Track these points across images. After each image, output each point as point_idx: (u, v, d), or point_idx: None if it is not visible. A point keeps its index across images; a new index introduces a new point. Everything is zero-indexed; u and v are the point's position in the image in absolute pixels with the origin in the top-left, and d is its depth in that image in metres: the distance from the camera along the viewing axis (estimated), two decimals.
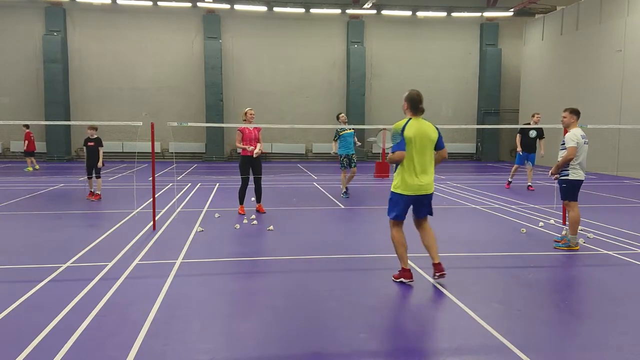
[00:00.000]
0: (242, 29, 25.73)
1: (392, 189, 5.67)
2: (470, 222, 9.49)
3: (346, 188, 12.54)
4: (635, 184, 15.78)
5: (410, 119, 5.56)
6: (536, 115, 13.52)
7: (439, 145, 5.66)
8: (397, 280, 5.72)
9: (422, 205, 5.70)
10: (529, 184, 13.96)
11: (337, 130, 12.33)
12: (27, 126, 19.02)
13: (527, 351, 3.97)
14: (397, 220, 5.66)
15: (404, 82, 26.73)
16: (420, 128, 5.50)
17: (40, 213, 10.20)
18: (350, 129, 12.25)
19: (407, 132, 5.43)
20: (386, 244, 7.78)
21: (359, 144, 12.68)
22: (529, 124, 13.61)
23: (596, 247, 7.39)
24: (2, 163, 22.45)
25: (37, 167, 19.36)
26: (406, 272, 5.66)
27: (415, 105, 5.56)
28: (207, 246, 7.42)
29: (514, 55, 26.98)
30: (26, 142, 18.96)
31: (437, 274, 5.63)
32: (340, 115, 12.50)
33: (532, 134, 13.56)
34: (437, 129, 5.65)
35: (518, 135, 13.73)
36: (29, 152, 19.02)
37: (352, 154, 12.35)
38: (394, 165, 5.63)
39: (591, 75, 20.11)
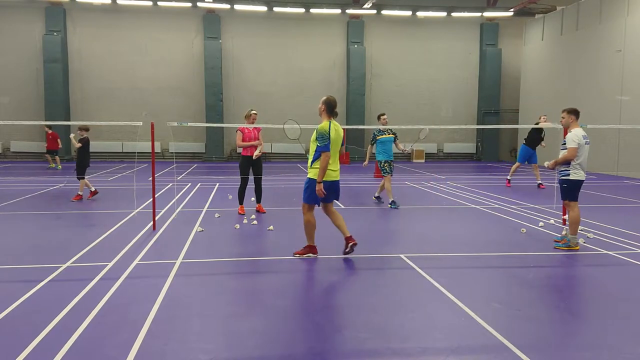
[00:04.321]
0: (242, 29, 25.72)
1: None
2: (470, 222, 9.50)
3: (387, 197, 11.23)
4: (635, 184, 15.78)
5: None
6: (543, 117, 14.22)
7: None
8: (304, 255, 6.66)
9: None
10: (539, 182, 14.36)
11: (374, 133, 11.14)
12: (49, 127, 20.00)
13: (527, 351, 3.97)
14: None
15: (404, 82, 26.82)
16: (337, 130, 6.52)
17: (40, 213, 10.20)
18: (390, 134, 11.01)
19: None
20: (386, 243, 7.80)
21: (406, 150, 11.42)
22: (538, 123, 14.24)
23: (596, 247, 7.40)
24: (2, 163, 22.44)
25: (52, 165, 20.10)
26: (313, 248, 6.70)
27: (331, 108, 6.51)
28: (207, 246, 7.42)
29: (514, 55, 26.97)
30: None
31: (351, 244, 6.66)
32: (382, 117, 11.22)
33: (543, 133, 14.37)
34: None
35: (533, 131, 14.30)
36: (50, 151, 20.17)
37: (391, 160, 11.15)
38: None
39: (591, 75, 20.10)
